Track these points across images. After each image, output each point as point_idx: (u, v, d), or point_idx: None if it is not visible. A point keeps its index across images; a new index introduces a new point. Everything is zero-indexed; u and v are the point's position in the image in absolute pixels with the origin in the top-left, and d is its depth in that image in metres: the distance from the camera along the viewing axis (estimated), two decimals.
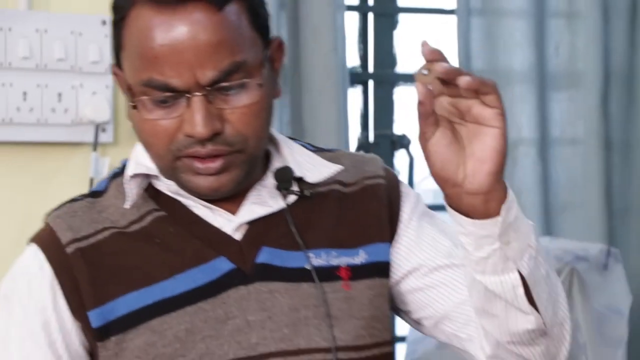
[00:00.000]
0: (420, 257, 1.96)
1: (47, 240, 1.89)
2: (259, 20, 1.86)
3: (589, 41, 3.66)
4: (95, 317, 1.84)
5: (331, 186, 1.95)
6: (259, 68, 1.84)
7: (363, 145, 3.66)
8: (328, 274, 1.89)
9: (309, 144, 2.01)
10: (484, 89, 1.67)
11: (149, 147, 1.86)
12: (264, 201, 1.90)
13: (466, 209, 1.74)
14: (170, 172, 1.86)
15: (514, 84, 3.61)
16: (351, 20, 3.64)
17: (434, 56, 1.65)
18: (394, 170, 2.04)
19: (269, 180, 1.90)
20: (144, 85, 1.81)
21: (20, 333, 1.90)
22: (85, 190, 2.78)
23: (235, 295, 1.86)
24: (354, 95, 3.60)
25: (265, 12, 1.89)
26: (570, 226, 3.68)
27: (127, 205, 1.90)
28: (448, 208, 1.75)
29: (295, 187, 1.91)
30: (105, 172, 3.13)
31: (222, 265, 1.86)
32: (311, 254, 1.89)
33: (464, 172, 1.72)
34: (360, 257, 1.92)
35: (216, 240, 1.88)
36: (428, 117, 1.69)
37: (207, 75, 1.79)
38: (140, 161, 1.90)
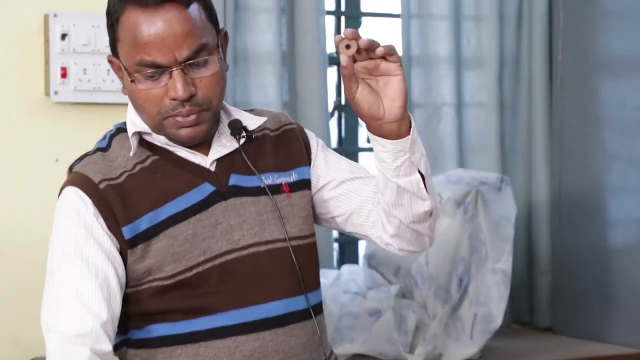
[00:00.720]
0: (329, 175, 2.04)
1: (82, 181, 1.92)
2: (212, 15, 1.93)
3: (490, 36, 3.70)
4: (127, 232, 1.90)
5: (263, 132, 2.03)
6: (216, 48, 1.92)
7: (337, 107, 3.72)
8: (275, 189, 1.98)
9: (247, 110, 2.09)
10: (391, 51, 1.79)
11: (142, 110, 1.91)
12: (224, 144, 1.98)
13: (386, 134, 1.85)
14: (159, 128, 1.92)
15: (439, 65, 3.65)
16: (329, 22, 3.66)
17: (354, 35, 1.77)
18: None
19: (225, 130, 1.99)
20: (137, 65, 1.87)
21: (76, 244, 1.90)
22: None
23: (220, 208, 1.93)
24: (332, 72, 3.62)
25: (214, 10, 1.95)
26: (477, 162, 3.68)
27: (132, 153, 1.94)
28: (372, 136, 1.87)
29: (242, 133, 1.99)
30: None
31: (207, 188, 1.94)
32: (262, 177, 1.97)
33: (383, 109, 1.83)
34: (293, 176, 2.01)
35: (199, 172, 1.95)
36: (350, 77, 1.81)
37: (183, 54, 1.86)
38: (135, 122, 1.95)
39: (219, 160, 1.96)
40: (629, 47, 3.52)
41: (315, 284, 1.99)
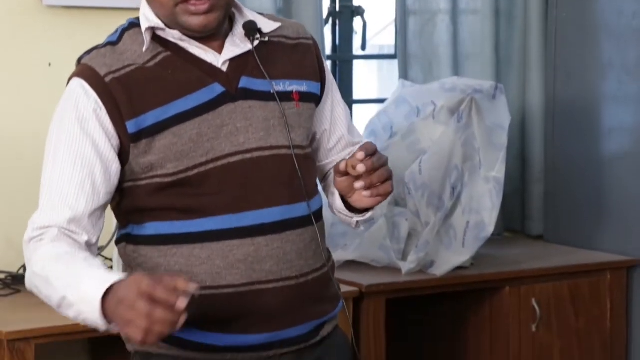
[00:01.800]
0: (328, 124, 2.09)
1: (87, 74, 1.90)
2: None
3: None
4: (131, 126, 1.88)
5: (279, 38, 2.00)
6: None
7: (332, 13, 3.68)
8: (285, 96, 1.96)
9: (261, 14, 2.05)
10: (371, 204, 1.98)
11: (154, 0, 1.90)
12: (237, 45, 1.95)
13: (348, 205, 2.02)
14: (171, 17, 1.89)
15: None
16: None
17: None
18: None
19: (239, 31, 1.95)
20: None
21: (67, 137, 1.89)
22: None
23: (228, 110, 1.92)
24: None
25: None
26: (472, 69, 3.65)
27: (145, 48, 1.91)
28: (335, 190, 2.02)
29: (257, 36, 1.95)
30: None
31: (216, 89, 1.91)
32: (274, 83, 1.95)
33: (352, 197, 1.97)
34: (304, 87, 1.99)
35: (211, 71, 1.92)
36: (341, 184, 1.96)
37: None
38: (149, 17, 1.91)
39: (231, 61, 1.94)
40: None
41: (315, 191, 2.00)
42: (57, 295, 1.78)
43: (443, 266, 3.14)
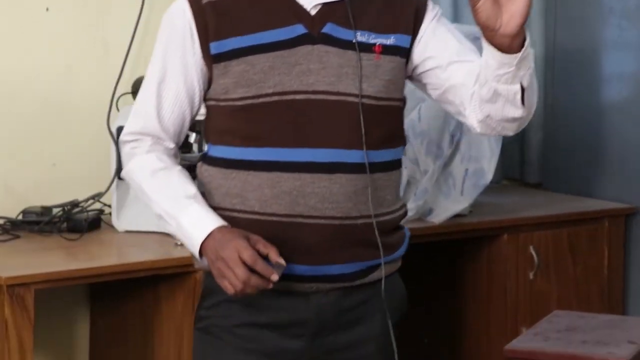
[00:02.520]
0: (434, 50, 2.06)
1: None
2: None
3: None
4: (214, 47, 2.02)
5: None
6: None
7: None
8: (367, 47, 2.02)
9: None
10: None
11: None
12: None
13: (497, 45, 1.87)
14: None
15: None
16: None
17: None
18: None
19: None
20: None
21: (168, 45, 2.06)
22: None
23: (304, 51, 2.01)
24: None
25: None
26: (471, 17, 3.64)
27: None
28: (484, 42, 1.88)
29: None
30: None
31: (299, 30, 2.01)
32: (359, 33, 2.01)
33: (500, 22, 1.84)
34: (390, 40, 2.04)
35: (298, 12, 2.02)
36: None
37: None
38: None
39: (324, 5, 2.02)
40: None
41: (384, 143, 2.03)
42: (154, 209, 2.04)
43: (442, 214, 3.14)
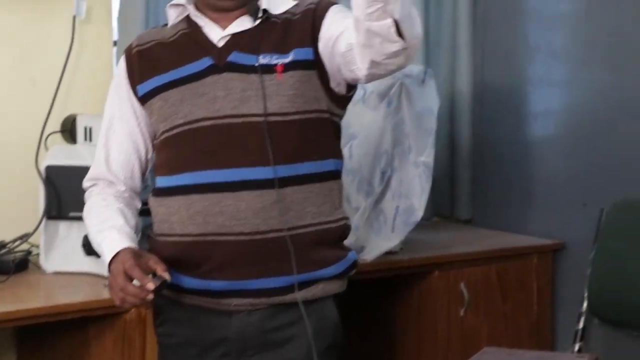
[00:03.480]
0: (331, 28, 2.10)
1: (127, 47, 2.28)
2: None
3: None
4: (140, 89, 2.20)
5: (286, 15, 2.18)
6: None
7: None
8: (269, 69, 2.12)
9: None
10: None
11: None
12: (243, 23, 2.17)
13: None
14: None
15: None
16: None
17: None
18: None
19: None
20: None
21: (112, 97, 2.27)
22: (69, 22, 2.99)
23: (211, 80, 2.14)
24: None
25: None
26: None
27: (169, 25, 2.24)
28: None
29: (260, 14, 2.16)
30: (84, 12, 3.19)
31: (207, 62, 2.16)
32: (261, 57, 2.12)
33: None
34: (289, 57, 2.12)
35: (207, 46, 2.18)
36: None
37: None
38: None
39: (232, 36, 2.16)
40: None
41: (294, 158, 2.10)
42: (91, 238, 2.21)
43: (373, 251, 3.12)
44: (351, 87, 2.20)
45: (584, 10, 3.41)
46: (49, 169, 2.88)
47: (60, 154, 2.93)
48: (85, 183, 2.31)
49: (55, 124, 3.12)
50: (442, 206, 3.82)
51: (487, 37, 3.72)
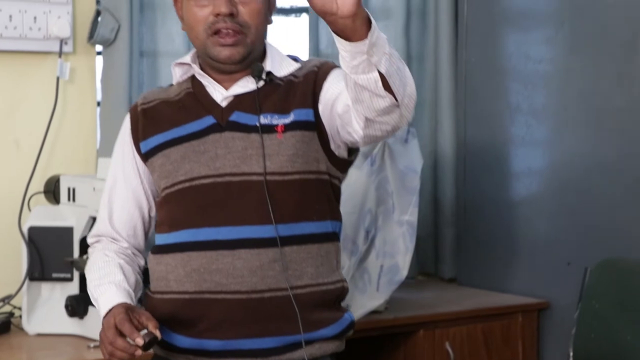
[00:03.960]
0: (330, 88, 2.12)
1: (132, 106, 2.30)
2: None
3: None
4: (143, 146, 2.23)
5: (290, 77, 2.21)
6: None
7: None
8: (270, 129, 2.14)
9: (297, 59, 2.25)
10: None
11: (192, 31, 2.18)
12: (246, 84, 2.19)
13: (341, 28, 1.80)
14: (203, 48, 2.17)
15: None
16: None
17: None
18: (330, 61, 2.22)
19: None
20: None
21: (116, 155, 2.29)
22: (53, 84, 2.86)
23: (212, 139, 2.16)
24: None
25: None
26: None
27: (174, 82, 2.27)
28: (334, 35, 1.84)
29: (263, 77, 2.17)
30: (67, 73, 3.19)
31: (209, 121, 2.18)
32: (262, 117, 2.14)
33: (336, 5, 1.77)
34: (290, 118, 2.14)
35: (210, 106, 2.20)
36: None
37: None
38: (185, 58, 2.25)
39: (236, 96, 2.18)
40: (531, 0, 3.54)
41: (292, 217, 2.10)
42: (90, 292, 2.19)
43: (358, 310, 3.09)
44: (352, 150, 2.21)
45: (564, 71, 3.43)
46: (32, 229, 2.87)
47: (43, 215, 2.92)
48: (89, 239, 2.32)
49: (38, 184, 3.10)
50: (426, 265, 3.80)
51: (469, 96, 3.74)
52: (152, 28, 3.31)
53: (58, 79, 3.16)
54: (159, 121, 2.21)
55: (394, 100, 1.91)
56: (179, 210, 2.15)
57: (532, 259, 3.53)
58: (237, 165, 2.12)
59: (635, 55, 3.20)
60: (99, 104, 3.26)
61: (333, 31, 1.82)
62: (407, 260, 3.15)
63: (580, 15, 3.36)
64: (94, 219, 2.89)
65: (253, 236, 2.08)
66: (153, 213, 2.28)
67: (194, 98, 2.21)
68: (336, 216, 2.21)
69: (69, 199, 2.95)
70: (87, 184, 2.88)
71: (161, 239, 2.19)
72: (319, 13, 1.80)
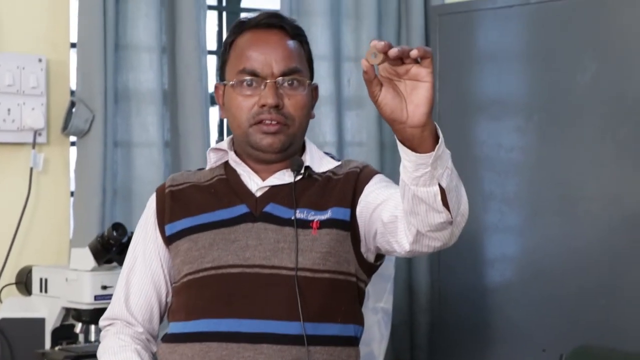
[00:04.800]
0: (372, 198, 2.09)
1: (159, 187, 2.27)
2: (310, 57, 2.20)
3: None
4: (168, 229, 2.18)
5: (328, 173, 2.18)
6: (307, 81, 2.16)
7: None
8: (304, 224, 2.10)
9: (335, 157, 2.24)
10: (426, 54, 1.70)
11: (234, 119, 2.16)
12: (283, 177, 2.16)
13: (409, 137, 1.76)
14: (246, 137, 2.15)
15: (321, 105, 3.60)
16: (211, 61, 3.57)
17: (384, 49, 1.68)
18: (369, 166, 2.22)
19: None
20: (239, 73, 2.14)
21: (138, 236, 2.24)
22: (26, 174, 2.82)
23: (244, 228, 2.12)
24: (213, 111, 3.53)
25: (312, 58, 2.21)
26: None
27: (207, 167, 2.23)
28: (398, 143, 1.80)
29: (302, 171, 2.15)
30: (41, 164, 3.17)
31: (242, 209, 2.15)
32: (298, 211, 2.11)
33: (406, 114, 1.74)
34: (327, 215, 2.11)
35: (244, 194, 2.17)
36: (372, 81, 1.73)
37: (279, 68, 2.12)
38: (222, 144, 2.23)
39: (271, 187, 2.15)
40: (502, 90, 3.56)
41: (317, 317, 2.05)
42: None
43: None
44: (379, 256, 2.17)
45: (535, 159, 3.44)
46: (3, 321, 2.84)
47: (15, 306, 2.89)
48: (102, 322, 2.25)
49: (10, 275, 3.07)
50: (401, 352, 3.77)
51: None
52: (127, 118, 3.31)
53: (32, 169, 3.15)
54: (188, 205, 2.17)
55: (450, 216, 1.86)
56: (202, 298, 2.08)
57: (508, 345, 3.50)
58: (268, 257, 2.07)
59: (604, 144, 3.23)
60: (72, 194, 3.25)
61: (399, 140, 1.78)
62: (383, 348, 3.14)
63: (550, 105, 3.38)
64: (66, 310, 2.87)
65: (278, 332, 2.03)
66: (169, 298, 2.20)
67: (226, 185, 2.18)
68: (360, 321, 2.17)
69: (41, 290, 2.92)
70: (60, 274, 2.85)
71: (176, 327, 2.12)
72: (387, 120, 1.76)
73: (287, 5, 3.54)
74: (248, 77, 2.12)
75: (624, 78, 3.20)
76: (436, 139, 1.78)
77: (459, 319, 3.65)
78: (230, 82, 2.13)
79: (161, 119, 3.34)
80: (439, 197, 1.83)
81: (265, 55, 2.12)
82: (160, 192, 2.22)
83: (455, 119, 3.69)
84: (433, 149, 1.77)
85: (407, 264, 3.77)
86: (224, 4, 3.70)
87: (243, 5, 3.73)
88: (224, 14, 3.72)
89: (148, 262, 2.19)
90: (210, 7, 3.57)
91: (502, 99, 3.56)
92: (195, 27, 3.31)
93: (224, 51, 2.18)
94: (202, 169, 2.26)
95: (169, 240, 2.17)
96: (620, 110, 3.20)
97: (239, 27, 2.18)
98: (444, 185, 1.82)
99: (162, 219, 2.18)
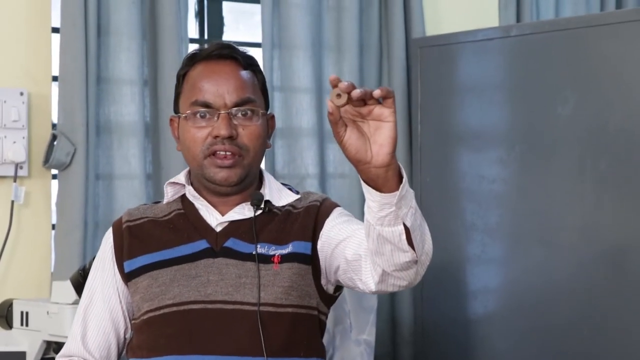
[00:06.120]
0: (333, 234, 2.08)
1: (116, 221, 2.23)
2: (264, 88, 2.19)
3: None
4: (127, 266, 2.15)
5: (288, 207, 2.16)
6: (261, 110, 2.14)
7: None
8: (266, 258, 2.09)
9: (292, 189, 2.22)
10: (388, 94, 1.71)
11: (189, 151, 2.13)
12: (242, 211, 2.14)
13: (374, 177, 1.77)
14: (201, 169, 2.12)
15: (303, 137, 3.62)
16: None
17: (348, 89, 1.69)
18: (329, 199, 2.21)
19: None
20: (191, 105, 2.12)
21: (96, 271, 2.21)
22: (7, 207, 2.84)
23: (205, 263, 2.10)
24: None
25: (266, 88, 2.20)
26: None
27: (164, 202, 2.20)
28: (362, 183, 1.80)
29: (262, 206, 2.13)
30: (22, 197, 3.16)
31: (202, 245, 2.12)
32: (259, 246, 2.09)
33: (370, 154, 1.75)
34: (288, 249, 2.10)
35: (204, 230, 2.14)
36: (337, 123, 1.73)
37: (231, 99, 2.11)
38: (178, 177, 2.20)
39: (230, 222, 2.13)
40: (484, 122, 3.57)
41: (281, 352, 2.04)
42: None
43: None
44: (338, 287, 2.17)
45: (516, 190, 3.44)
46: None
47: None
48: (58, 359, 2.21)
49: None
50: None
51: (425, 216, 3.70)
52: (109, 151, 3.30)
53: (13, 202, 3.13)
54: (147, 241, 2.14)
55: (415, 255, 1.86)
56: (163, 335, 2.07)
57: None
58: (230, 293, 2.06)
59: (584, 175, 3.23)
60: (53, 226, 3.23)
61: (363, 180, 1.78)
62: None
63: (531, 136, 3.39)
64: (48, 343, 2.85)
65: None
66: (128, 335, 2.18)
67: (185, 220, 2.15)
68: (322, 354, 2.15)
69: (22, 324, 2.89)
70: (41, 308, 2.83)
71: None
72: (352, 161, 1.76)
73: (268, 38, 3.54)
74: (201, 109, 2.10)
75: (604, 110, 3.22)
76: (400, 179, 1.78)
77: (441, 350, 3.63)
78: (184, 115, 2.11)
79: (143, 151, 3.33)
80: (404, 237, 1.83)
81: (217, 86, 2.11)
82: (117, 227, 2.19)
83: (437, 150, 3.71)
84: (397, 189, 1.77)
85: (389, 295, 3.74)
86: (205, 37, 3.70)
87: (225, 38, 3.72)
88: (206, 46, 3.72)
89: (106, 298, 2.17)
90: (192, 40, 3.56)
91: (483, 130, 3.57)
92: (177, 60, 3.28)
93: (177, 84, 2.17)
94: (159, 202, 2.24)
95: (127, 277, 2.14)
96: (600, 141, 3.22)
97: (192, 59, 2.16)
98: (408, 224, 1.82)
99: (121, 255, 2.16)
